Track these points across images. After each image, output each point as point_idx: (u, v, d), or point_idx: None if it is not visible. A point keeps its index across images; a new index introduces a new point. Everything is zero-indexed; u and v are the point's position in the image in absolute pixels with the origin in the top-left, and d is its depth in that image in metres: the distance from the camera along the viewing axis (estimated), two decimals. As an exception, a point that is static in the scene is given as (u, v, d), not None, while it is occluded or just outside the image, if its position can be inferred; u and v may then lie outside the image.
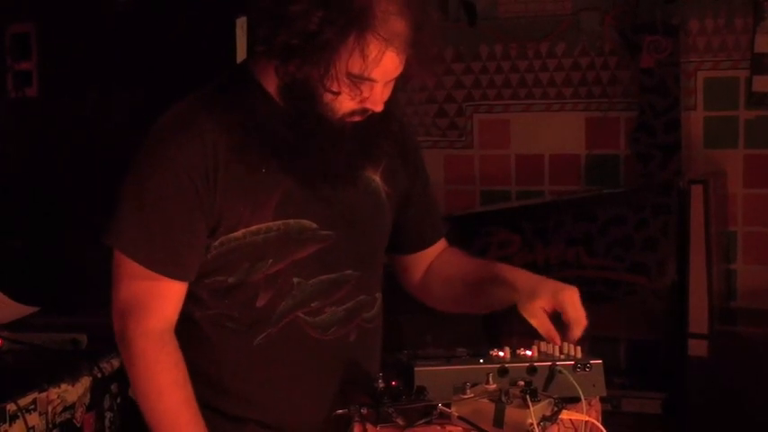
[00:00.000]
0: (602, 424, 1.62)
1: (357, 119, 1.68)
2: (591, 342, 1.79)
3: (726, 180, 4.29)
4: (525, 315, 1.80)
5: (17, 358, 2.59)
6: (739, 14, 4.28)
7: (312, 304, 1.75)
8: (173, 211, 1.67)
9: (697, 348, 3.79)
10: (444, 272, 1.99)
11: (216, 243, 1.70)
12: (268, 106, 1.71)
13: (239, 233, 1.69)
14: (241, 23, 4.51)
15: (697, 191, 3.85)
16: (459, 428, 1.54)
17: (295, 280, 1.73)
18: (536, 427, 1.48)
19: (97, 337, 2.71)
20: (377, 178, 1.83)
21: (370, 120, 1.70)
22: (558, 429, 1.55)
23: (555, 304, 1.77)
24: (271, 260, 1.71)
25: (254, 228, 1.69)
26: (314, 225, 1.73)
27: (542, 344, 1.75)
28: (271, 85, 1.72)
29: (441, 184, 4.48)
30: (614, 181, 4.45)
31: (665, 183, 4.23)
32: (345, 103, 1.65)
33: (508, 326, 2.21)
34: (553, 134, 4.49)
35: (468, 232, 4.08)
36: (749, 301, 4.28)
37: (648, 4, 4.29)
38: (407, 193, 1.91)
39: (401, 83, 1.70)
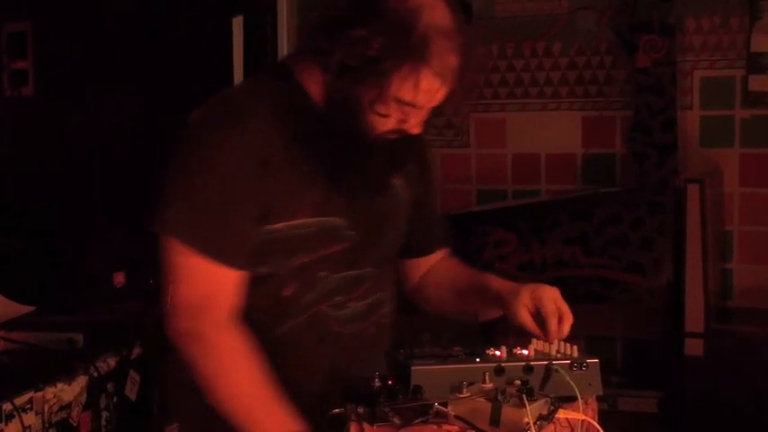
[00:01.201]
0: (598, 423, 1.62)
1: (393, 137, 1.75)
2: (587, 341, 1.80)
3: (722, 179, 4.29)
4: (512, 319, 1.85)
5: (13, 357, 2.59)
6: (735, 14, 4.28)
7: (336, 298, 1.82)
8: (230, 201, 1.70)
9: (693, 347, 3.80)
10: (437, 278, 2.07)
11: (259, 233, 1.74)
12: (308, 107, 1.76)
13: (280, 226, 1.74)
14: (238, 23, 4.51)
15: (693, 190, 3.85)
16: (456, 428, 1.54)
17: (321, 274, 1.80)
18: (532, 426, 1.48)
19: (93, 337, 2.71)
20: (399, 183, 1.91)
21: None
22: (555, 428, 1.55)
23: (534, 300, 1.82)
24: (302, 254, 1.77)
25: (294, 222, 1.74)
26: (343, 224, 1.80)
27: (539, 343, 1.75)
28: (312, 87, 1.77)
29: (437, 183, 4.48)
30: (610, 180, 4.45)
31: (661, 182, 4.23)
32: (388, 124, 1.72)
33: (504, 325, 2.21)
34: (549, 133, 4.49)
35: (465, 231, 4.08)
36: (745, 300, 4.28)
37: (645, 4, 4.29)
38: (420, 197, 1.99)
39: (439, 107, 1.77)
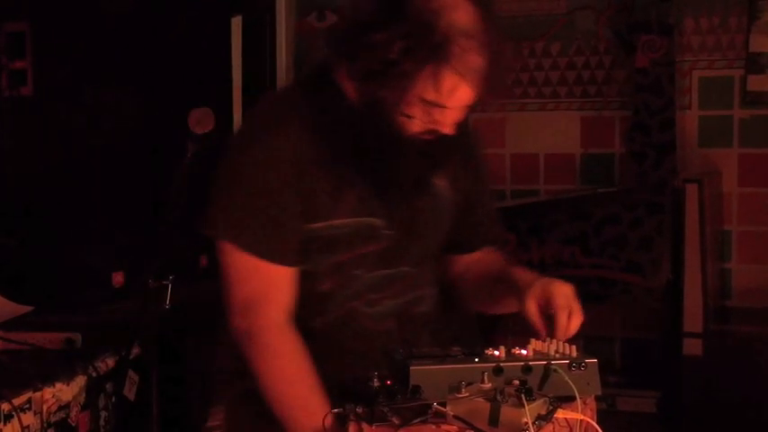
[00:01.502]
0: (597, 423, 1.62)
1: (427, 138, 1.76)
2: (586, 341, 1.79)
3: (720, 179, 4.29)
4: (521, 311, 1.82)
5: (12, 357, 2.59)
6: (734, 13, 4.28)
7: (370, 296, 1.86)
8: (275, 201, 1.76)
9: (692, 347, 3.80)
10: (473, 273, 2.05)
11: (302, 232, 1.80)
12: (347, 110, 1.79)
13: (320, 225, 1.79)
14: (237, 23, 4.51)
15: (692, 190, 3.86)
16: (455, 427, 1.54)
17: (356, 272, 1.85)
18: (531, 426, 1.48)
19: (92, 337, 2.71)
20: (442, 183, 1.92)
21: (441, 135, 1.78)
22: (554, 428, 1.55)
23: (546, 294, 1.79)
24: (339, 252, 1.82)
25: (333, 222, 1.80)
26: (381, 224, 1.85)
27: (537, 343, 1.75)
28: (350, 90, 1.80)
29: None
30: (609, 180, 4.45)
31: (659, 182, 4.24)
32: (417, 125, 1.73)
33: (503, 325, 2.21)
34: (548, 133, 4.49)
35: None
36: (744, 300, 4.29)
37: (643, 4, 4.29)
38: (467, 197, 1.99)
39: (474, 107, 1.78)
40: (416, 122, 1.73)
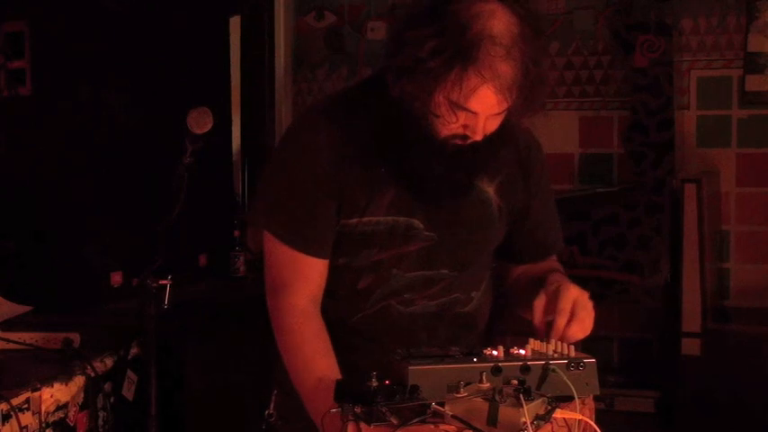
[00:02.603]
0: (595, 422, 1.62)
1: (459, 143, 1.78)
2: (584, 341, 1.79)
3: (719, 179, 4.30)
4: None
5: (10, 357, 2.59)
6: (732, 13, 4.29)
7: (405, 295, 1.91)
8: (310, 196, 1.85)
9: (690, 347, 3.80)
10: (522, 277, 2.07)
11: (337, 226, 1.87)
12: (390, 110, 1.82)
13: (354, 221, 1.86)
14: (235, 22, 4.51)
15: (690, 190, 3.86)
16: (453, 427, 1.54)
17: (394, 271, 1.90)
18: (529, 425, 1.48)
19: (90, 337, 2.71)
20: (490, 190, 1.95)
21: (487, 138, 1.80)
22: (552, 428, 1.55)
23: (555, 295, 1.79)
24: (376, 249, 1.88)
25: (366, 219, 1.86)
26: (421, 225, 1.89)
27: (536, 343, 1.75)
28: (392, 88, 1.82)
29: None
30: (608, 180, 4.46)
31: (658, 182, 4.24)
32: (446, 127, 1.76)
33: (502, 325, 2.21)
34: (546, 133, 4.43)
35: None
36: (742, 299, 4.29)
37: (642, 4, 4.30)
38: (524, 209, 2.02)
39: (510, 119, 1.80)
40: (446, 124, 1.75)
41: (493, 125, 1.78)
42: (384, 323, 1.91)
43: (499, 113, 1.76)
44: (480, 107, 1.73)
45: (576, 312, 1.78)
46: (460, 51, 1.68)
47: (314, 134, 1.87)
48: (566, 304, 1.78)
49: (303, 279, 1.88)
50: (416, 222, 1.89)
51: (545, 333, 1.80)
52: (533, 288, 1.91)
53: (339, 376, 1.79)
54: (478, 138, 1.77)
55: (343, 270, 1.91)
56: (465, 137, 1.77)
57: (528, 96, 1.75)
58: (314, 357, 1.83)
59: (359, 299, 1.92)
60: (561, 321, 1.77)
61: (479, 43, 1.68)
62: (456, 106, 1.72)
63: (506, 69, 1.69)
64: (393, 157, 1.83)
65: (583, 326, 1.79)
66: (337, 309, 1.92)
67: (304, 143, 1.88)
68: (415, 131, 1.78)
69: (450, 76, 1.69)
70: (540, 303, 1.82)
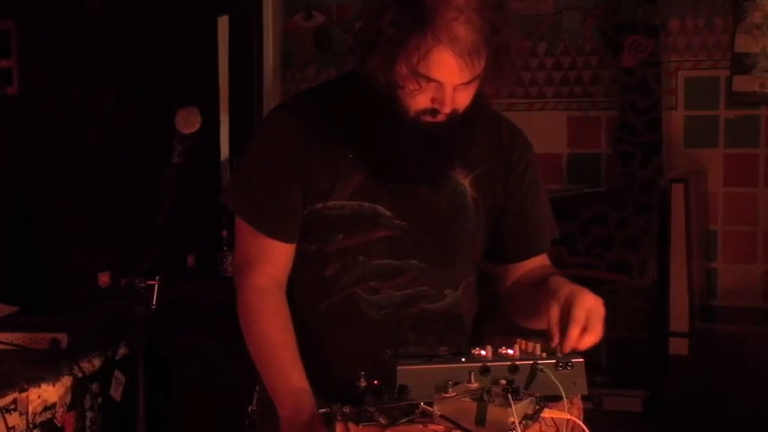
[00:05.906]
0: (583, 422, 1.62)
1: (429, 118, 1.77)
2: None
3: (706, 179, 4.31)
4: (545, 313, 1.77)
5: (-3, 358, 2.58)
6: (719, 14, 4.30)
7: (370, 283, 1.90)
8: (273, 180, 1.89)
9: (678, 346, 3.81)
10: (522, 286, 2.01)
11: (305, 212, 1.89)
12: (360, 97, 1.84)
13: (319, 206, 1.88)
14: (223, 22, 4.50)
15: (678, 190, 3.87)
16: (442, 427, 1.54)
17: (360, 258, 1.90)
18: (518, 425, 1.48)
19: (78, 337, 2.70)
20: (466, 182, 1.94)
21: (461, 123, 1.80)
22: (540, 428, 1.55)
23: (569, 302, 1.73)
24: (341, 235, 1.89)
25: (330, 203, 1.88)
26: (387, 213, 1.89)
27: (524, 342, 1.75)
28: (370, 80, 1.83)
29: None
30: (596, 180, 4.46)
31: (646, 182, 4.25)
32: (414, 100, 1.76)
33: (490, 325, 2.21)
34: (535, 133, 4.40)
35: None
36: (729, 299, 4.30)
37: (630, 4, 4.31)
38: (504, 204, 1.99)
39: (480, 95, 1.81)
40: (413, 96, 1.75)
41: (463, 99, 1.77)
42: (349, 312, 1.91)
43: (466, 84, 1.75)
44: (442, 74, 1.72)
45: (591, 324, 1.72)
46: (417, 17, 1.69)
47: (282, 115, 1.94)
48: (580, 314, 1.72)
49: (265, 260, 1.90)
50: (381, 209, 1.88)
51: (559, 341, 1.73)
52: (535, 295, 1.87)
53: (295, 353, 1.83)
54: (447, 110, 1.75)
55: (314, 257, 1.92)
56: (435, 111, 1.76)
57: (494, 67, 1.75)
58: (269, 332, 1.85)
59: (326, 285, 1.92)
60: (575, 331, 1.71)
61: (436, 7, 1.68)
62: (418, 75, 1.72)
63: (464, 32, 1.69)
64: (363, 143, 1.84)
65: (594, 335, 1.73)
66: (307, 296, 1.93)
67: (273, 124, 1.95)
68: (386, 114, 1.77)
69: (410, 44, 1.70)
70: (555, 312, 1.74)
